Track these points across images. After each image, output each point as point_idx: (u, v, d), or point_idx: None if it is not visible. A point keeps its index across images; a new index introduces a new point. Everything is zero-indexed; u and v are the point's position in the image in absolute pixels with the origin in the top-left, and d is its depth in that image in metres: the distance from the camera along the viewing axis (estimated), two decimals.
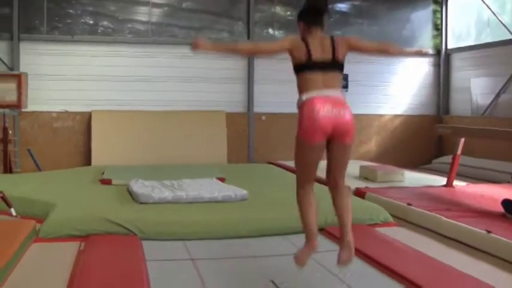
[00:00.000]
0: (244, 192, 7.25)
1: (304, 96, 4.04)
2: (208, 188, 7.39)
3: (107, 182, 8.48)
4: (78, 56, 11.95)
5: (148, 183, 7.77)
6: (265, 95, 12.76)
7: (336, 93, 4.05)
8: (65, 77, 11.79)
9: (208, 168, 9.85)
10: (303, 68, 4.08)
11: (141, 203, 6.82)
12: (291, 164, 11.14)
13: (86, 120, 11.94)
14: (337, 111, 3.97)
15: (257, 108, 12.84)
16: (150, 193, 6.95)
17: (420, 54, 4.57)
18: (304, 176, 4.23)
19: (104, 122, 11.76)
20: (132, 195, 7.22)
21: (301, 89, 4.10)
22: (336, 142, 4.07)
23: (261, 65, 12.72)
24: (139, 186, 7.42)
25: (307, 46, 4.09)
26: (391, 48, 4.59)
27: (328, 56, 4.08)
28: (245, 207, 6.80)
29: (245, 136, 12.83)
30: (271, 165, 11.55)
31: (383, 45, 4.61)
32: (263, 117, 12.85)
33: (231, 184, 7.94)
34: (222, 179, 8.56)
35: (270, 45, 4.59)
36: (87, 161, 11.74)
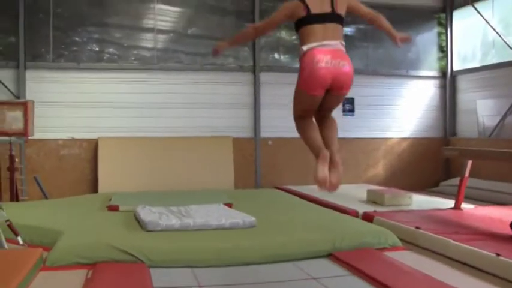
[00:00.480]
0: (253, 219, 7.24)
1: (305, 47, 4.15)
2: (216, 215, 7.40)
3: (114, 208, 8.51)
4: (84, 83, 12.02)
5: (155, 209, 7.79)
6: (271, 120, 12.79)
7: (336, 44, 4.16)
8: (71, 104, 11.85)
9: (215, 194, 9.88)
10: (303, 22, 4.18)
11: (149, 230, 6.83)
12: (298, 188, 11.30)
13: (93, 147, 11.98)
14: (337, 63, 4.06)
15: (264, 133, 12.86)
16: (157, 220, 6.96)
17: (406, 41, 4.91)
18: (302, 113, 4.34)
19: (110, 148, 11.80)
20: (140, 223, 7.23)
21: (302, 42, 4.20)
22: (333, 92, 4.17)
23: (268, 90, 12.80)
24: (147, 213, 7.44)
25: (304, 3, 4.20)
26: (383, 21, 4.86)
27: (327, 9, 4.20)
28: (253, 233, 6.79)
29: (252, 161, 12.84)
30: (278, 190, 11.57)
31: (376, 16, 4.85)
32: (270, 142, 12.87)
33: (238, 209, 7.96)
34: (229, 205, 8.58)
35: (274, 18, 4.67)
36: (94, 188, 11.76)
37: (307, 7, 4.17)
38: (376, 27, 4.84)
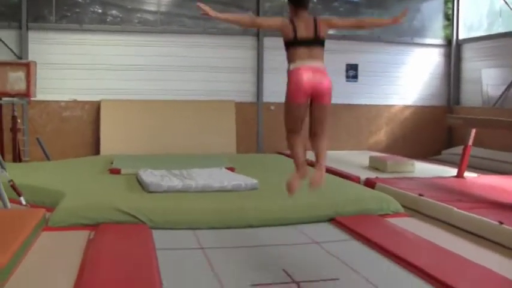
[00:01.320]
0: (255, 181, 7.27)
1: (292, 66, 4.72)
2: (218, 178, 7.42)
3: (116, 171, 8.52)
4: (86, 45, 11.95)
5: (157, 172, 7.80)
6: (274, 85, 12.68)
7: (317, 63, 4.71)
8: (73, 66, 11.79)
9: (217, 158, 9.87)
10: (291, 43, 4.75)
11: (151, 192, 6.84)
12: None
13: (95, 109, 11.94)
14: (317, 78, 4.65)
15: (266, 98, 12.81)
16: (159, 182, 6.97)
17: (397, 22, 5.18)
18: (292, 129, 4.89)
19: (112, 111, 11.78)
20: (142, 184, 7.24)
21: (289, 60, 4.77)
22: (315, 103, 4.74)
23: (271, 55, 12.70)
24: (149, 176, 7.45)
25: (293, 26, 4.74)
26: (366, 22, 5.44)
27: (311, 34, 4.74)
28: (255, 197, 6.80)
29: (254, 126, 12.81)
30: (280, 155, 11.52)
31: (358, 22, 5.44)
32: (272, 107, 12.79)
33: (240, 174, 7.94)
34: (231, 169, 8.58)
35: (267, 21, 5.42)
36: (96, 150, 11.77)
37: (295, 31, 4.71)
38: (366, 30, 5.02)
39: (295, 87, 4.67)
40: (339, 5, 13.45)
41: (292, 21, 4.78)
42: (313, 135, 4.94)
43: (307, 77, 4.63)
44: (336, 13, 13.35)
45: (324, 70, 4.74)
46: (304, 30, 4.74)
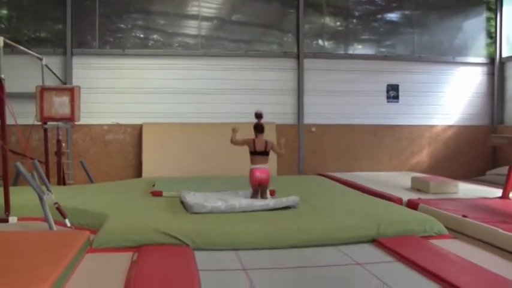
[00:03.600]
0: (296, 197, 7.43)
1: (252, 167, 7.93)
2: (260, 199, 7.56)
3: (158, 194, 8.63)
4: (129, 70, 12.24)
5: (200, 194, 7.90)
6: (315, 106, 12.79)
7: (263, 166, 7.94)
8: (116, 90, 12.10)
9: None
10: (252, 153, 7.99)
11: (194, 212, 6.90)
12: (342, 175, 11.24)
13: (137, 132, 12.16)
14: (262, 174, 7.88)
15: (307, 120, 12.85)
16: (202, 203, 7.03)
17: (280, 154, 9.12)
18: (254, 190, 7.97)
19: (154, 134, 11.95)
20: (185, 206, 7.32)
21: (251, 163, 7.98)
22: (261, 186, 7.90)
23: (311, 76, 12.79)
24: (192, 197, 7.55)
25: (254, 143, 7.99)
26: (279, 151, 8.39)
27: (262, 148, 7.97)
28: (297, 218, 6.80)
29: (295, 148, 12.85)
30: (321, 176, 11.54)
31: (278, 150, 8.30)
32: (313, 129, 12.85)
33: (281, 197, 7.95)
34: (272, 192, 8.57)
35: (240, 141, 8.18)
36: (138, 173, 11.96)
37: (254, 146, 7.96)
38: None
39: (253, 178, 7.87)
40: (379, 25, 13.43)
41: (253, 140, 8.00)
42: (261, 191, 7.92)
43: (258, 174, 7.85)
44: (376, 33, 13.35)
45: (267, 170, 7.93)
46: (260, 146, 7.95)
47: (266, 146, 7.95)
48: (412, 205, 8.19)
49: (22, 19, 12.05)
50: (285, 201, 7.30)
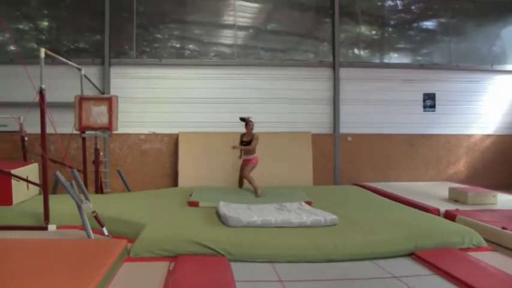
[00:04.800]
0: (334, 217, 7.23)
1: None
2: (297, 213, 7.46)
3: (194, 204, 8.67)
4: (165, 79, 12.32)
5: (236, 206, 7.90)
6: (351, 116, 12.72)
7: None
8: (153, 99, 12.19)
9: (294, 192, 9.88)
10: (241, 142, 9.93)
11: (230, 226, 6.91)
12: (378, 185, 11.16)
13: (173, 142, 12.22)
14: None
15: (343, 129, 12.79)
16: (239, 217, 7.02)
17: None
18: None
19: (190, 143, 11.99)
20: (221, 219, 7.33)
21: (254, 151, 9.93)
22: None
23: (347, 85, 12.74)
24: (228, 209, 7.54)
25: (242, 137, 9.93)
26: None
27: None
28: (334, 231, 6.77)
29: (331, 157, 12.78)
30: (357, 186, 11.49)
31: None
32: (349, 138, 12.78)
33: (318, 207, 7.94)
34: (309, 203, 8.57)
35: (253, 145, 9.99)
36: (175, 182, 12.02)
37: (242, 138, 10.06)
38: None
39: (256, 162, 9.90)
40: (415, 34, 13.33)
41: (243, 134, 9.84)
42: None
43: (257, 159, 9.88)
44: (412, 42, 13.26)
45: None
46: (245, 137, 9.95)
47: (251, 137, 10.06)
48: (450, 216, 8.08)
49: (61, 30, 12.25)
50: (322, 221, 7.12)
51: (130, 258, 5.91)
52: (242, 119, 10.21)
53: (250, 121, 10.17)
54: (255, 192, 9.70)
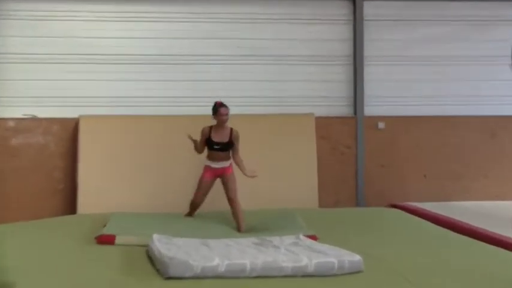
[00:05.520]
0: (357, 258, 6.96)
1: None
2: (291, 251, 7.37)
3: (107, 239, 8.52)
4: (60, 21, 12.21)
5: (183, 241, 7.89)
6: (382, 86, 12.87)
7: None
8: (35, 58, 12.02)
9: (286, 218, 10.08)
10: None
11: (170, 277, 6.55)
12: (434, 207, 11.10)
13: (69, 132, 11.92)
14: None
15: (369, 109, 12.78)
16: (187, 259, 6.65)
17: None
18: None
19: (100, 134, 11.77)
20: (155, 263, 7.04)
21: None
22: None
23: (377, 32, 12.92)
24: (169, 248, 7.27)
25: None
26: (236, 161, 10.23)
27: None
28: (357, 284, 6.53)
29: (350, 158, 12.67)
30: (398, 210, 11.42)
31: (237, 159, 10.24)
32: (381, 124, 12.60)
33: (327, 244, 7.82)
34: (313, 237, 8.57)
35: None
36: (71, 205, 11.74)
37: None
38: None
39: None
40: None
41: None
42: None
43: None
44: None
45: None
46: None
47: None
48: None
49: None
50: (336, 265, 6.83)
51: None
52: (214, 109, 9.94)
53: (224, 106, 9.89)
54: (238, 226, 9.69)
